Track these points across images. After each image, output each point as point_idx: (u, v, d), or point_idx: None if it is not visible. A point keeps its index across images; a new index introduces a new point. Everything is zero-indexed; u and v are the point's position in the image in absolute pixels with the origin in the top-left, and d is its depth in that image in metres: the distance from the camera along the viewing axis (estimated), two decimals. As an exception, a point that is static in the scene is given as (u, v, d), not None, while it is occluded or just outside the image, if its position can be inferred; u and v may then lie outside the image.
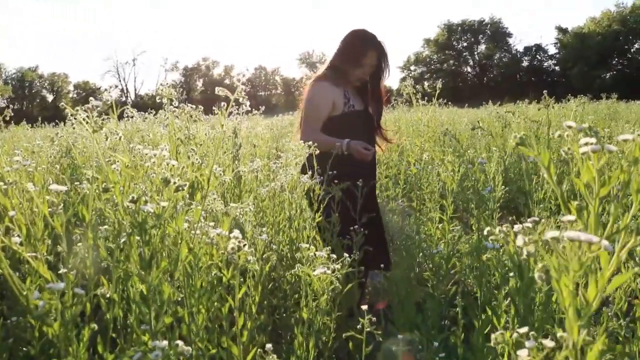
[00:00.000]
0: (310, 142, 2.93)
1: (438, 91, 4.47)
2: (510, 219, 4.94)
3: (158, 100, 2.13)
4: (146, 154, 1.39)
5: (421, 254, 3.60)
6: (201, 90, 76.82)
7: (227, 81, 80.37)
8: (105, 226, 1.34)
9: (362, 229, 2.96)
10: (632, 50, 60.90)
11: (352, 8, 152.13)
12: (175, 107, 2.17)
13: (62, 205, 1.14)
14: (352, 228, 2.96)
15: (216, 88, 1.25)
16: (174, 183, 1.19)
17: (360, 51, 3.39)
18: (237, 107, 1.44)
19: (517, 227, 1.26)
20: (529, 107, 10.38)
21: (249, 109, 1.31)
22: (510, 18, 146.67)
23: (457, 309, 2.63)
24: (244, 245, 1.28)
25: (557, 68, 67.16)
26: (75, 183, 3.08)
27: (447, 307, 2.99)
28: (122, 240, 1.25)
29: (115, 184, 1.20)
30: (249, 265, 1.30)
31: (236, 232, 1.28)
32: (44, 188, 1.17)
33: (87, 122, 1.13)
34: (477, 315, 2.29)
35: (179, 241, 1.29)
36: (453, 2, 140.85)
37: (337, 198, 3.17)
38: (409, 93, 4.48)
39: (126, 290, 1.42)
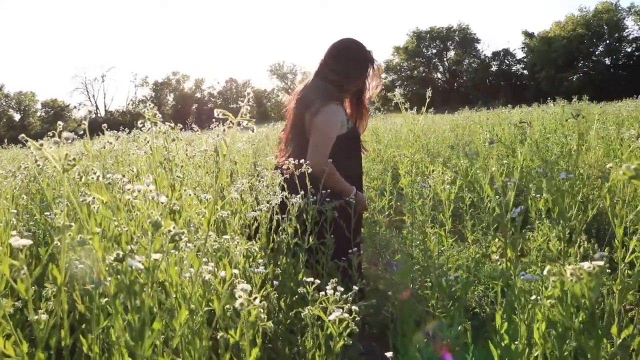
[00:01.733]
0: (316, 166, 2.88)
1: (428, 100, 4.30)
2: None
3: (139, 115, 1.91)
4: (128, 189, 1.15)
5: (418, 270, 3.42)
6: (172, 105, 75.99)
7: (198, 95, 79.78)
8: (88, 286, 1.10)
9: (358, 250, 2.76)
10: (596, 52, 62.14)
11: (322, 18, 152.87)
12: (152, 125, 1.93)
13: (24, 269, 0.90)
14: (350, 250, 2.74)
15: (215, 110, 1.02)
16: (169, 231, 0.95)
17: (365, 66, 3.24)
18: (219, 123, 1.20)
19: (586, 265, 1.06)
20: (511, 112, 10.30)
21: (248, 127, 1.09)
22: (478, 24, 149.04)
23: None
24: (255, 298, 1.05)
25: (525, 72, 68.16)
26: (45, 214, 2.81)
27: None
28: (104, 302, 1.00)
29: (93, 235, 0.97)
30: (262, 323, 1.07)
31: (244, 285, 1.05)
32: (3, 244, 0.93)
33: (55, 160, 0.90)
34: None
35: (174, 296, 1.05)
36: (421, 9, 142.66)
37: (330, 218, 2.96)
38: (397, 102, 4.30)
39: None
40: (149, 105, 1.26)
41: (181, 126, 4.22)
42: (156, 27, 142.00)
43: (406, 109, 4.43)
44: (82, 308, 1.27)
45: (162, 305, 1.06)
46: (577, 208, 2.70)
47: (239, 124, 1.07)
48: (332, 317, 1.37)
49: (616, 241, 3.48)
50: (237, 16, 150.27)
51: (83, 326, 1.38)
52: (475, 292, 3.84)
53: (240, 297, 1.04)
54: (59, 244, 0.97)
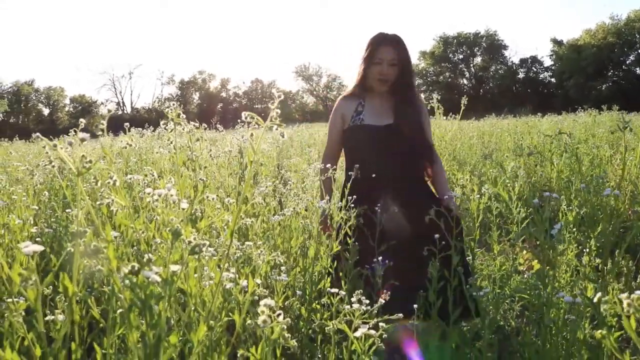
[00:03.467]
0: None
1: (463, 107, 4.19)
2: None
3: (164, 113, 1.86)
4: (149, 193, 1.09)
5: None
6: (197, 104, 76.51)
7: (223, 94, 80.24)
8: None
9: (386, 260, 2.60)
10: (627, 62, 61.03)
11: (349, 21, 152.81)
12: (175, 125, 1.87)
13: (33, 276, 0.84)
14: (375, 259, 2.61)
15: (243, 113, 0.96)
16: (190, 242, 0.89)
17: (369, 48, 3.08)
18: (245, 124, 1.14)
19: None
20: (541, 121, 10.10)
21: (278, 131, 1.03)
22: (506, 30, 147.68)
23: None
24: (278, 315, 0.98)
25: (552, 80, 67.20)
26: (67, 210, 2.79)
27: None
28: (118, 313, 0.94)
29: (109, 244, 0.90)
30: (285, 342, 1.00)
31: (267, 300, 0.98)
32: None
33: (71, 161, 0.84)
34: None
35: (192, 308, 0.98)
36: (448, 14, 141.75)
37: (354, 225, 2.86)
38: (432, 107, 4.20)
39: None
40: (173, 105, 1.20)
41: (205, 126, 4.19)
42: (184, 26, 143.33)
43: (440, 115, 4.34)
44: (96, 314, 1.21)
45: (180, 319, 1.00)
46: (610, 222, 2.60)
47: (269, 128, 1.00)
48: (357, 334, 1.30)
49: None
50: (265, 16, 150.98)
51: (102, 325, 1.32)
52: (501, 306, 3.73)
53: (263, 313, 0.97)
54: (72, 250, 0.91)
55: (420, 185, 3.15)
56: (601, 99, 40.83)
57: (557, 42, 66.26)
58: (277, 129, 0.95)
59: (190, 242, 0.91)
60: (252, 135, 0.99)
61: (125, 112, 74.66)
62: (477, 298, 2.23)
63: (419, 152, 3.11)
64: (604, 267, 2.48)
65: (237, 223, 1.00)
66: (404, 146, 3.03)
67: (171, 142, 2.00)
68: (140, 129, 5.78)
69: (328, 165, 3.01)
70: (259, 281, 1.31)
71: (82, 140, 0.85)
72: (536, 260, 4.23)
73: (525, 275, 3.90)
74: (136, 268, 0.82)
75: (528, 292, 3.57)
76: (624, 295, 0.88)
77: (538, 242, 4.00)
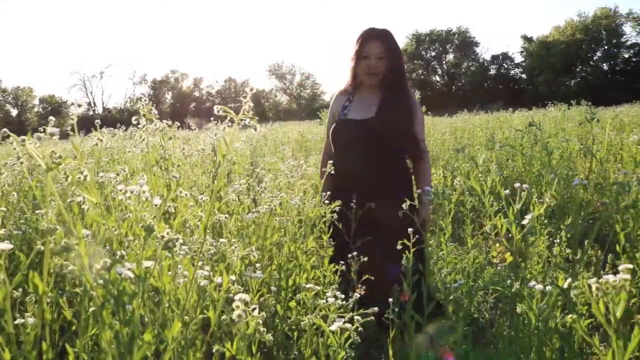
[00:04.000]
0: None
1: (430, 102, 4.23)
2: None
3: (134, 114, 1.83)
4: (121, 190, 1.08)
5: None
6: (170, 103, 75.79)
7: (196, 93, 79.65)
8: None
9: (359, 256, 2.60)
10: (594, 58, 62.20)
11: (322, 18, 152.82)
12: (147, 122, 1.85)
13: (2, 274, 0.82)
14: (350, 255, 2.61)
15: (215, 107, 0.96)
16: (163, 237, 0.88)
17: (358, 42, 3.08)
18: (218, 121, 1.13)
19: (612, 278, 0.99)
20: (512, 116, 10.25)
21: (250, 125, 1.03)
22: (477, 28, 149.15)
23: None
24: (254, 309, 0.98)
25: (523, 76, 68.16)
26: (37, 211, 2.73)
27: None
28: (91, 311, 0.93)
29: (80, 240, 0.89)
30: (261, 337, 1.00)
31: (242, 295, 0.98)
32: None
33: (40, 158, 0.83)
34: None
35: (166, 304, 0.98)
36: (421, 12, 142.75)
37: (329, 221, 2.88)
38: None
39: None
40: (145, 101, 1.19)
41: (179, 124, 4.16)
42: (156, 25, 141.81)
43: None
44: (68, 315, 1.19)
45: (154, 315, 0.99)
46: (579, 214, 2.65)
47: (240, 121, 1.00)
48: (333, 328, 1.30)
49: (618, 247, 3.42)
50: (236, 15, 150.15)
51: (74, 328, 1.31)
52: (475, 298, 3.78)
53: (238, 308, 0.97)
54: (42, 248, 0.90)
55: (396, 180, 3.09)
56: (570, 94, 41.56)
57: (527, 39, 67.21)
58: (249, 122, 0.95)
59: (163, 237, 0.91)
60: (223, 129, 0.98)
61: (96, 112, 73.58)
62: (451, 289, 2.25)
63: (399, 146, 3.08)
64: (574, 257, 2.52)
65: (210, 219, 0.99)
66: (381, 140, 3.01)
67: (143, 140, 1.98)
68: (112, 128, 5.71)
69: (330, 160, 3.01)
70: (233, 278, 1.31)
71: (52, 135, 0.84)
72: (509, 253, 4.28)
73: (499, 268, 3.95)
74: (108, 264, 0.81)
75: (501, 284, 3.61)
76: (592, 280, 0.90)
77: (510, 235, 4.06)
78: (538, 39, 65.30)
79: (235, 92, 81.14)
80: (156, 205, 1.07)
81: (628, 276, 0.91)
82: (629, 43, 61.82)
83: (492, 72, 71.50)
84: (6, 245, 0.83)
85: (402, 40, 77.03)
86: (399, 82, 3.09)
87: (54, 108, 71.27)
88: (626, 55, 61.68)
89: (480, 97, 53.50)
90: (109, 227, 0.97)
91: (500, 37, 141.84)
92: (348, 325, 1.32)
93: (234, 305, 0.99)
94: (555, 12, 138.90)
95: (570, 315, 0.96)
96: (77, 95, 73.81)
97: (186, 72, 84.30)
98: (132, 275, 0.82)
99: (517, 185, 1.76)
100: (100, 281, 0.82)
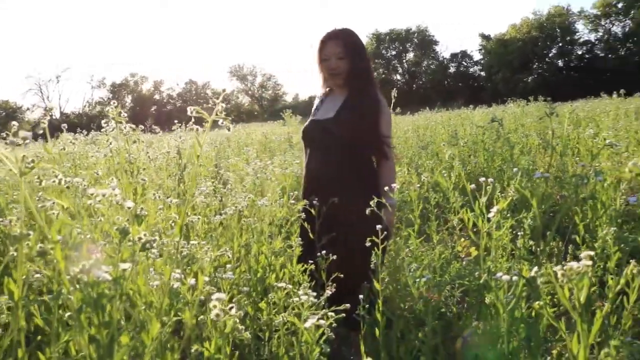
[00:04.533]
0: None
1: (394, 100, 4.27)
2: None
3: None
4: (91, 194, 1.07)
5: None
6: (130, 107, 74.55)
7: (156, 96, 78.59)
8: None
9: (327, 253, 2.60)
10: (550, 55, 63.75)
11: (281, 20, 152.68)
12: (116, 124, 1.83)
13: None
14: (319, 253, 2.63)
15: (189, 108, 0.96)
16: (140, 239, 0.89)
17: (318, 46, 3.07)
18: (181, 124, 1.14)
19: (575, 265, 1.03)
20: (473, 113, 10.42)
21: (224, 125, 1.04)
22: (436, 26, 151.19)
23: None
24: (231, 308, 0.99)
25: (482, 73, 69.35)
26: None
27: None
28: (66, 316, 0.92)
29: (55, 244, 0.88)
30: (239, 335, 1.01)
31: (219, 295, 0.99)
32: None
33: (11, 162, 0.82)
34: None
35: (142, 307, 0.98)
36: (381, 12, 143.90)
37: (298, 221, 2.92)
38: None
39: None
40: (113, 103, 1.18)
41: (143, 127, 4.12)
42: (114, 27, 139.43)
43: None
44: (40, 322, 1.18)
45: (130, 318, 0.99)
46: (541, 206, 2.73)
47: (205, 123, 1.00)
48: (307, 325, 1.32)
49: (578, 238, 3.53)
50: (196, 17, 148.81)
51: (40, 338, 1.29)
52: (442, 292, 3.84)
53: (215, 307, 0.98)
54: (14, 254, 0.89)
55: (356, 180, 3.04)
56: (528, 90, 42.45)
57: (485, 37, 68.42)
58: (222, 123, 0.96)
59: (140, 238, 0.91)
60: (197, 130, 0.99)
61: (54, 117, 71.83)
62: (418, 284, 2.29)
63: (361, 146, 3.03)
64: (537, 248, 2.60)
65: (184, 219, 1.00)
66: (340, 140, 2.99)
67: (110, 144, 1.96)
68: (72, 133, 5.60)
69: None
70: (207, 278, 1.32)
71: (24, 139, 0.83)
72: (473, 247, 4.39)
73: (464, 262, 4.02)
74: (87, 266, 0.81)
75: (466, 278, 3.69)
76: (558, 268, 0.94)
77: (476, 229, 4.15)
78: (496, 37, 66.56)
79: (196, 95, 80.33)
80: (129, 208, 1.07)
81: (590, 262, 0.95)
82: (581, 40, 63.66)
83: (452, 70, 72.59)
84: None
85: (362, 40, 77.28)
86: (363, 81, 3.04)
87: (9, 114, 69.30)
88: (579, 52, 63.47)
89: (440, 95, 54.24)
90: (82, 231, 0.96)
91: (459, 36, 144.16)
92: (322, 322, 1.34)
93: (211, 305, 1.00)
94: (511, 10, 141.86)
95: (537, 302, 1.00)
96: (33, 100, 71.86)
97: (146, 75, 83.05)
98: (109, 278, 0.82)
99: (482, 179, 1.81)
100: (77, 285, 0.82)
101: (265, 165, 4.26)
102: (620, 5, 61.08)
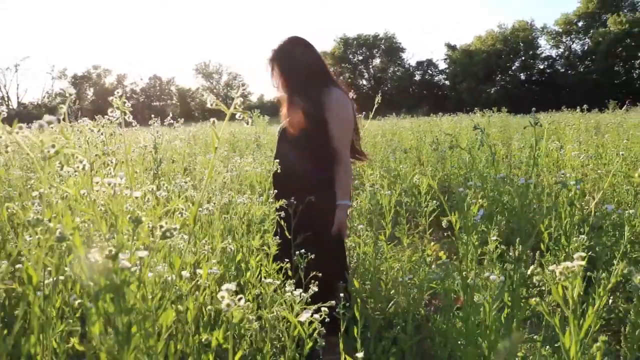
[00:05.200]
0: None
1: (377, 105, 4.30)
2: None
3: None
4: (98, 183, 1.07)
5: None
6: (92, 100, 72.98)
7: (119, 90, 76.97)
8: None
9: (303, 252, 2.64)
10: (513, 67, 65.25)
11: (249, 18, 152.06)
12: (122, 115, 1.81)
13: None
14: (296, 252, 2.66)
15: (208, 99, 0.97)
16: (162, 227, 0.90)
17: None
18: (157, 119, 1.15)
19: (570, 264, 1.09)
20: (441, 120, 10.60)
21: (243, 119, 1.05)
22: (403, 34, 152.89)
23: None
24: (240, 299, 1.00)
25: (447, 82, 70.49)
26: (6, 206, 2.58)
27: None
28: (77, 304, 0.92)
29: (74, 231, 0.88)
30: (248, 325, 1.03)
31: (229, 285, 1.00)
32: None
33: (32, 147, 0.82)
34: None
35: (155, 297, 0.99)
36: (349, 16, 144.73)
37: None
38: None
39: None
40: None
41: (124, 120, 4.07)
42: (78, 18, 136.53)
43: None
44: (37, 311, 1.17)
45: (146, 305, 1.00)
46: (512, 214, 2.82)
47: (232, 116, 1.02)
48: (303, 318, 1.34)
49: (542, 245, 3.66)
50: (162, 11, 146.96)
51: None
52: (411, 295, 3.90)
53: (223, 297, 1.00)
54: (29, 238, 0.89)
55: (309, 182, 3.07)
56: (490, 101, 43.40)
57: (451, 47, 69.60)
58: (240, 117, 0.97)
59: (161, 226, 0.92)
60: (214, 122, 1.01)
61: (11, 107, 69.80)
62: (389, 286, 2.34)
63: (306, 153, 3.06)
64: (507, 253, 2.67)
65: (197, 209, 1.01)
66: (288, 147, 3.11)
67: (102, 132, 1.94)
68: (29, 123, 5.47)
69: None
70: (187, 274, 1.33)
71: (50, 123, 0.83)
72: (442, 251, 4.48)
73: (433, 266, 4.10)
74: (113, 252, 0.82)
75: (434, 281, 3.76)
76: (554, 267, 1.00)
77: (446, 234, 4.22)
78: (461, 47, 67.77)
79: (160, 90, 79.24)
80: (137, 197, 1.08)
81: (583, 262, 1.01)
82: (543, 55, 65.44)
83: (417, 77, 73.52)
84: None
85: (330, 44, 77.71)
86: (294, 91, 3.09)
87: (-36, 101, 67.03)
88: (541, 67, 65.20)
89: (406, 102, 54.94)
90: (95, 217, 0.96)
91: (426, 44, 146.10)
92: (316, 315, 1.37)
93: (219, 295, 1.02)
94: (477, 22, 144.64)
95: (534, 299, 1.05)
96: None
97: (109, 68, 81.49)
98: (129, 265, 0.83)
99: (460, 190, 1.87)
100: (97, 272, 0.82)
101: (239, 164, 4.26)
102: (580, 23, 62.99)
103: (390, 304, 3.43)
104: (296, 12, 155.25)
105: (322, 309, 1.84)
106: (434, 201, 4.01)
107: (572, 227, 3.70)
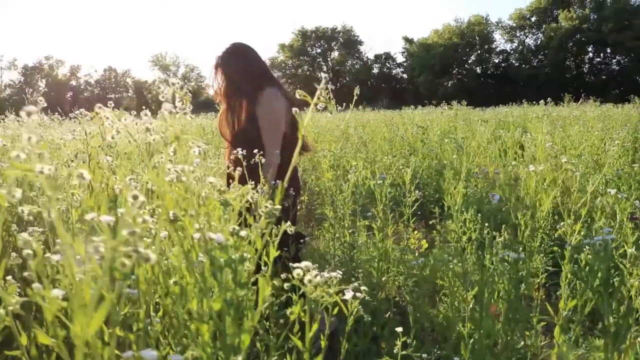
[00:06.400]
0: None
1: (356, 97, 4.40)
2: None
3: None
4: (169, 169, 1.14)
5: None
6: (45, 92, 70.79)
7: (73, 82, 75.20)
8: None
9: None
10: (469, 61, 66.53)
11: (206, 10, 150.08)
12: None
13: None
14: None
15: (297, 92, 1.03)
16: (266, 207, 0.97)
17: None
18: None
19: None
20: (414, 113, 10.79)
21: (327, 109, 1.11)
22: (361, 27, 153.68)
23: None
24: (316, 275, 1.09)
25: (405, 76, 71.32)
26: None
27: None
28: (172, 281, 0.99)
29: (185, 212, 0.94)
30: (324, 299, 1.11)
31: (307, 263, 1.09)
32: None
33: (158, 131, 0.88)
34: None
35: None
36: (306, 8, 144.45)
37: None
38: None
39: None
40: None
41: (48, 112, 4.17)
42: (29, 6, 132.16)
43: (336, 108, 4.55)
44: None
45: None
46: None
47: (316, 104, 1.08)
48: (348, 296, 1.43)
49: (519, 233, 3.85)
50: (118, 1, 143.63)
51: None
52: (396, 282, 4.04)
53: (304, 273, 1.08)
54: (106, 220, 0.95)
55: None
56: (447, 95, 44.18)
57: (408, 40, 70.37)
58: (321, 107, 1.05)
59: (266, 207, 0.99)
60: (297, 112, 1.08)
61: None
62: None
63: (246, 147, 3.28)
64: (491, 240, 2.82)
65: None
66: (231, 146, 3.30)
67: (113, 125, 1.95)
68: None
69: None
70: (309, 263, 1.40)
71: (180, 109, 0.90)
72: (424, 240, 4.64)
73: (417, 254, 4.24)
74: (236, 229, 0.89)
75: (415, 269, 3.90)
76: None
77: (430, 222, 4.36)
78: (419, 41, 68.61)
79: (115, 82, 77.59)
80: (211, 183, 1.15)
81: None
82: (498, 49, 66.96)
83: (375, 71, 74.13)
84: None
85: (287, 36, 77.34)
86: (226, 98, 3.34)
87: None
88: (496, 61, 66.69)
89: (365, 95, 55.33)
90: (186, 198, 1.02)
91: (383, 38, 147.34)
92: (358, 294, 1.46)
93: (296, 273, 1.10)
94: (434, 16, 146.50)
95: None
96: None
97: (62, 59, 79.29)
98: (230, 242, 0.91)
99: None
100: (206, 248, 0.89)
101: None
102: (533, 19, 64.63)
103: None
104: (254, 3, 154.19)
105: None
106: (417, 191, 4.16)
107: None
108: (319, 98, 0.99)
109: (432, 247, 4.52)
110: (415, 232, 4.63)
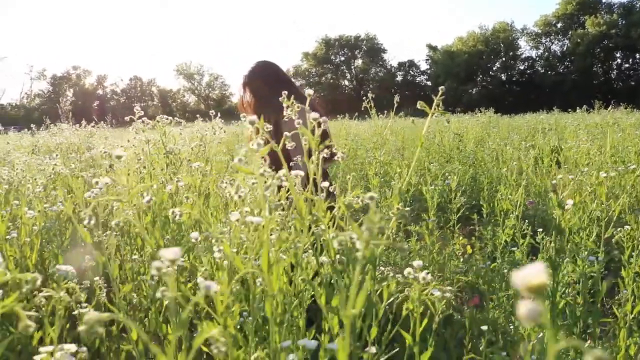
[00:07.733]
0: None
1: (396, 105, 4.46)
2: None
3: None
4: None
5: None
6: (72, 101, 71.93)
7: (99, 91, 76.48)
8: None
9: None
10: (493, 68, 66.12)
11: (232, 20, 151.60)
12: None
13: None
14: None
15: (419, 103, 1.09)
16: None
17: None
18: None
19: None
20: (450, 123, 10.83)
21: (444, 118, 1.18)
22: (385, 35, 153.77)
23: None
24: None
25: (428, 83, 71.05)
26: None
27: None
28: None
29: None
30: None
31: (419, 262, 1.15)
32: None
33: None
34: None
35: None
36: (331, 17, 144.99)
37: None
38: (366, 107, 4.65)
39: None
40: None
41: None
42: (56, 17, 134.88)
43: (377, 115, 4.62)
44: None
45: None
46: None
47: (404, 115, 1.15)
48: (437, 293, 1.48)
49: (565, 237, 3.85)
50: (144, 12, 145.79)
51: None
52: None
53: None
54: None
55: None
56: (472, 102, 43.90)
57: (432, 48, 70.22)
58: (437, 116, 1.11)
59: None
60: (413, 121, 1.15)
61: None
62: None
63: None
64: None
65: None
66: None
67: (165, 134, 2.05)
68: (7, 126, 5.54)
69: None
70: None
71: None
72: (469, 246, 4.66)
73: (461, 260, 4.26)
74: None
75: (460, 274, 3.92)
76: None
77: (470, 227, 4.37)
78: (443, 48, 68.41)
79: (141, 91, 78.63)
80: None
81: None
82: (523, 56, 66.48)
83: (399, 78, 73.99)
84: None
85: (311, 44, 77.66)
86: (269, 106, 3.42)
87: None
88: (521, 67, 66.19)
89: (389, 103, 55.21)
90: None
91: (407, 46, 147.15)
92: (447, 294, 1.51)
93: (406, 271, 1.16)
94: (458, 23, 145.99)
95: None
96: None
97: (89, 68, 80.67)
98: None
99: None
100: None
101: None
102: (559, 25, 64.01)
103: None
104: (277, 12, 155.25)
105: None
106: (464, 197, 4.19)
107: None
108: (436, 109, 1.05)
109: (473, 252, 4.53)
110: (461, 237, 4.65)
